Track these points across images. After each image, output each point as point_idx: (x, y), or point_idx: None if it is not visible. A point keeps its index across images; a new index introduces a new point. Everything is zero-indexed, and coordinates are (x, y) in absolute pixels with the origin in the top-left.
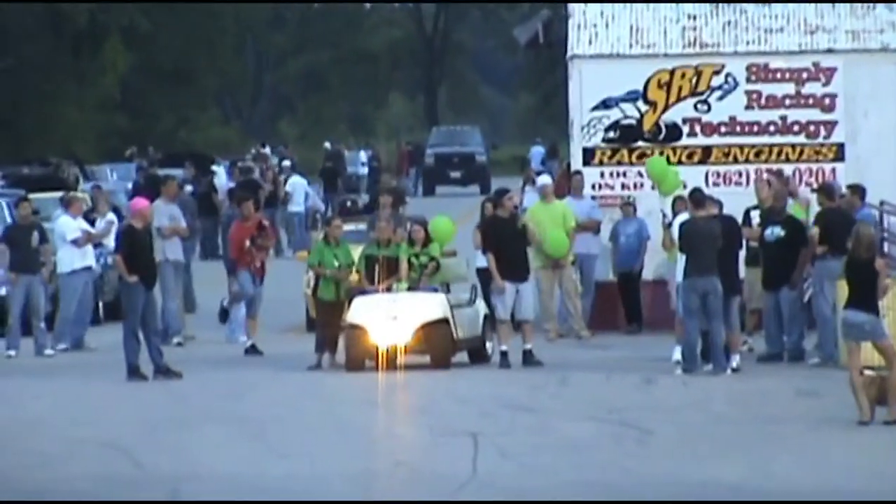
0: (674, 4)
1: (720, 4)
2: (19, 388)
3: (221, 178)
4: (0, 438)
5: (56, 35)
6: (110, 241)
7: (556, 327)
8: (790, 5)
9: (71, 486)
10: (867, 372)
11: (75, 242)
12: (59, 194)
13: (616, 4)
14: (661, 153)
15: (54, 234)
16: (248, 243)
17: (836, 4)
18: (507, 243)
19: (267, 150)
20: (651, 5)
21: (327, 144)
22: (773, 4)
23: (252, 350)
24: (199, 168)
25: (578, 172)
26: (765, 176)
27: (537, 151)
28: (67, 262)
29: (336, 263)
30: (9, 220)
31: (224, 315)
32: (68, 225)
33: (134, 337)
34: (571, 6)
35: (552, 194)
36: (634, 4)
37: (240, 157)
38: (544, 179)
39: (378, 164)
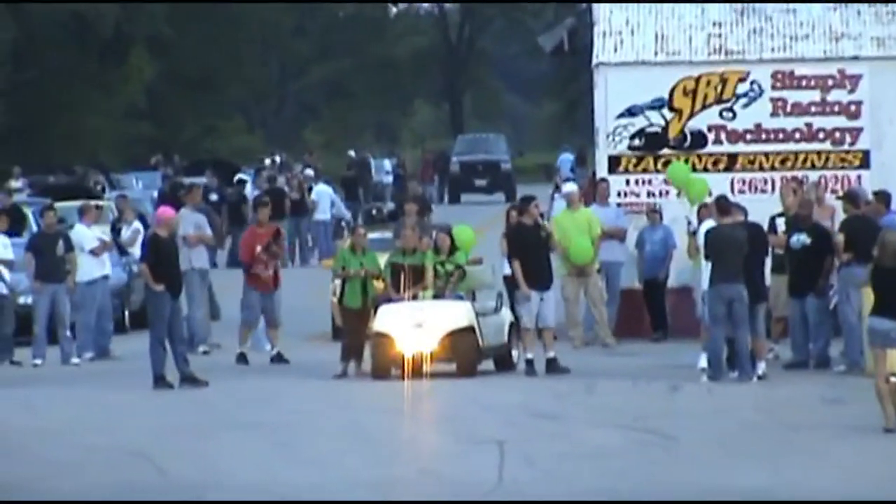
0: (699, 12)
1: (745, 12)
2: (45, 396)
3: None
4: (26, 447)
5: (81, 44)
6: (136, 250)
7: (581, 335)
8: (815, 12)
9: (96, 495)
10: (893, 379)
11: (93, 253)
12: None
13: (641, 12)
14: (687, 160)
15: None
16: (258, 248)
17: (862, 11)
18: (531, 251)
19: (277, 158)
20: (676, 13)
21: (351, 153)
22: (798, 11)
23: (278, 358)
24: (222, 176)
25: (604, 180)
26: (790, 178)
27: (566, 159)
28: (86, 272)
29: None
30: (35, 228)
31: (242, 358)
32: (84, 234)
33: (160, 345)
34: (597, 14)
35: (578, 202)
36: (660, 12)
37: (262, 166)
38: (570, 187)
39: (403, 172)
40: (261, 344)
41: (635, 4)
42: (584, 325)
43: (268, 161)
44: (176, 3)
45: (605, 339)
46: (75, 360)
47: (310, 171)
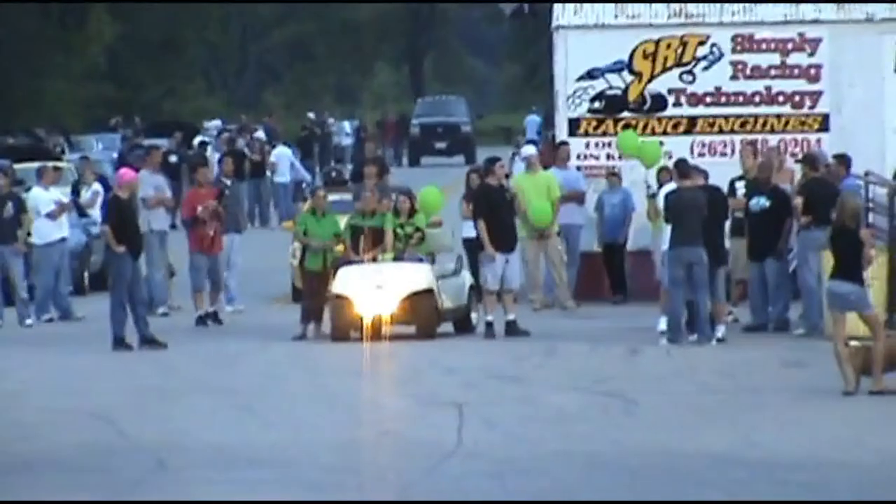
0: None
1: None
2: (3, 358)
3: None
4: None
5: (42, 6)
6: (96, 212)
7: (541, 298)
8: None
9: (56, 456)
10: (853, 343)
11: (50, 216)
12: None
13: None
14: (647, 124)
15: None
16: (199, 209)
17: None
18: (496, 212)
19: (217, 122)
20: None
21: (311, 115)
22: None
23: (214, 317)
24: (186, 139)
25: (565, 143)
26: (748, 140)
27: (532, 120)
28: (43, 234)
29: (320, 235)
30: None
31: (201, 320)
32: (40, 197)
33: (121, 307)
34: None
35: (537, 164)
36: None
37: (226, 128)
38: (529, 150)
39: (365, 134)
40: (234, 302)
41: None
42: (545, 289)
43: (211, 124)
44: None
45: (564, 303)
46: (29, 321)
47: (260, 134)
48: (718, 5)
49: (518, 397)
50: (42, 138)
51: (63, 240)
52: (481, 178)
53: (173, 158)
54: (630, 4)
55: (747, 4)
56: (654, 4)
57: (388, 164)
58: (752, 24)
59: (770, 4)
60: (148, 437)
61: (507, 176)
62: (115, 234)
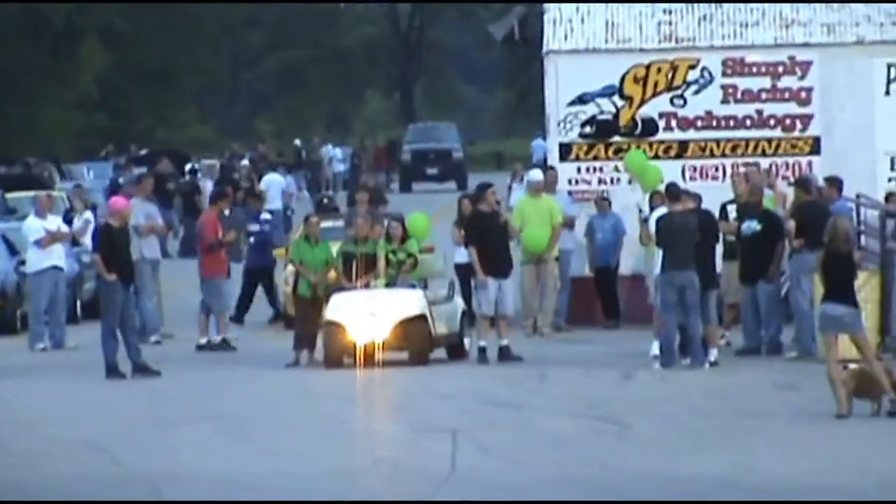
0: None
1: None
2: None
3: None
4: None
5: (34, 36)
6: (87, 240)
7: (535, 323)
8: None
9: (53, 487)
10: (851, 366)
11: (37, 244)
12: (33, 193)
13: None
14: (638, 148)
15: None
16: (220, 234)
17: None
18: (489, 238)
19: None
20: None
21: (297, 142)
22: None
23: (207, 345)
24: (178, 167)
25: (552, 168)
26: (741, 170)
27: (539, 145)
28: (33, 262)
29: (314, 266)
30: None
31: (224, 344)
32: (31, 226)
33: (112, 336)
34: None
35: (542, 189)
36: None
37: (210, 156)
38: (536, 175)
39: (359, 162)
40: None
41: None
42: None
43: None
44: (130, 1)
45: (542, 328)
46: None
47: (245, 162)
48: (709, 29)
49: (512, 422)
50: (31, 166)
51: (56, 268)
52: (473, 205)
53: (170, 185)
54: (620, 29)
55: (737, 28)
56: (644, 29)
57: (384, 194)
58: (742, 48)
59: (760, 28)
60: (143, 466)
61: (497, 202)
62: (106, 262)
